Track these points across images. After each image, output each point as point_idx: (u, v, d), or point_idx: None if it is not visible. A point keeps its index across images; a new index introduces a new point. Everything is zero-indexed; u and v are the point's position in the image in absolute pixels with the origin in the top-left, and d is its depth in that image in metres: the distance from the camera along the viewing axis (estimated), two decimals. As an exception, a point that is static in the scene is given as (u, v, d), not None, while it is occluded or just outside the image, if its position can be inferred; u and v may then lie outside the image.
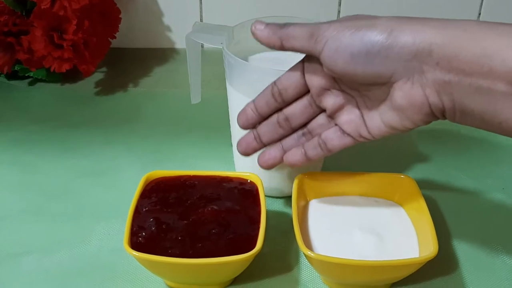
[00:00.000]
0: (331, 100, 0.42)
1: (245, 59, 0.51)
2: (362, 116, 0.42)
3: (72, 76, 0.74)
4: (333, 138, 0.43)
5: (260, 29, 0.41)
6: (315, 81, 0.42)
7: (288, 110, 0.44)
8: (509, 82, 0.33)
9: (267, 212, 0.44)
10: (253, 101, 0.45)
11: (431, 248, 0.41)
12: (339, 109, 0.43)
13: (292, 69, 0.43)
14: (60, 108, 0.69)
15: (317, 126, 0.45)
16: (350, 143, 0.43)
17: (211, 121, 0.65)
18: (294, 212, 0.45)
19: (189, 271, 0.41)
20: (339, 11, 0.80)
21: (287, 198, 0.52)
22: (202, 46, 0.53)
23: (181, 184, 0.47)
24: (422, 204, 0.46)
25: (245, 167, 0.51)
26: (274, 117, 0.45)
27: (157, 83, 0.76)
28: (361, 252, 0.43)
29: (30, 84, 0.74)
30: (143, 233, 0.42)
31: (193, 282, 0.44)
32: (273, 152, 0.46)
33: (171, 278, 0.44)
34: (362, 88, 0.40)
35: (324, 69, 0.40)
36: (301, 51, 0.41)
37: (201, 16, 0.81)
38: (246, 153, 0.47)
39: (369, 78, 0.38)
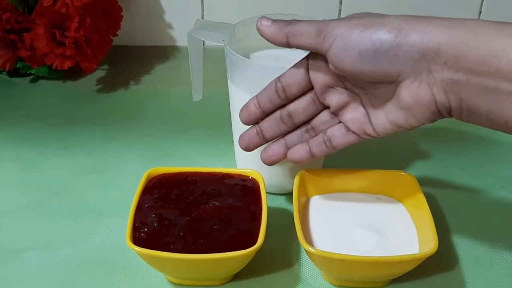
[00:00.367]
0: (335, 98, 0.43)
1: (247, 56, 0.51)
2: (367, 114, 0.42)
3: (73, 73, 0.75)
4: (338, 135, 0.43)
5: (267, 25, 0.41)
6: (319, 78, 0.42)
7: (291, 107, 0.44)
8: None
9: (268, 209, 0.45)
10: (256, 97, 0.45)
11: (431, 245, 0.41)
12: (343, 106, 0.43)
13: (296, 65, 0.43)
14: (62, 105, 0.70)
15: (320, 123, 0.45)
16: (355, 141, 0.43)
17: (212, 119, 0.66)
18: (295, 208, 0.45)
19: (191, 266, 0.41)
20: (340, 10, 0.80)
21: (288, 195, 0.53)
22: (203, 43, 0.53)
23: (183, 180, 0.48)
24: (423, 201, 0.46)
25: (247, 164, 0.51)
26: (277, 113, 0.45)
27: (158, 80, 0.76)
28: (361, 248, 0.43)
29: (32, 81, 0.74)
30: (145, 229, 0.43)
31: (194, 277, 0.44)
32: (276, 148, 0.46)
33: (173, 273, 0.44)
34: (368, 86, 0.40)
35: (331, 67, 0.40)
36: (307, 49, 0.41)
37: (202, 13, 0.82)
38: (248, 148, 0.47)
39: (376, 77, 0.38)
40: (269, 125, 0.45)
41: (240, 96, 0.49)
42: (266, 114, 0.45)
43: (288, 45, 0.41)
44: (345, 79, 0.41)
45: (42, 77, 0.74)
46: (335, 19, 0.39)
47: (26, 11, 0.71)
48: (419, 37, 0.36)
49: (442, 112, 0.38)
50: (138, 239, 0.42)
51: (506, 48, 0.34)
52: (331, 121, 0.44)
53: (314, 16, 0.53)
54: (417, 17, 0.37)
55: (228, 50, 0.49)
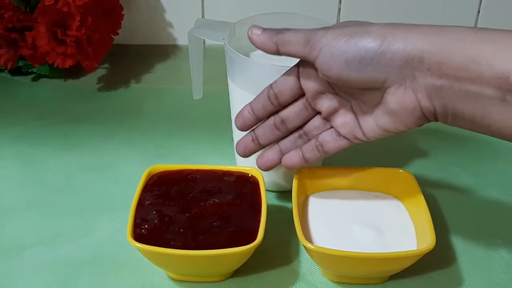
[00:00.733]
0: (326, 103, 0.44)
1: (247, 55, 0.51)
2: (357, 119, 0.43)
3: (75, 72, 0.75)
4: (329, 140, 0.45)
5: (257, 34, 0.42)
6: (310, 85, 0.43)
7: (284, 113, 0.46)
8: (497, 86, 0.35)
9: (268, 206, 0.45)
10: (250, 104, 0.46)
11: (428, 241, 0.42)
12: (334, 112, 0.44)
13: (288, 73, 0.44)
14: (63, 104, 0.70)
15: (313, 128, 0.46)
16: (346, 145, 0.44)
17: (212, 117, 0.66)
18: (294, 205, 0.45)
19: (191, 262, 0.42)
20: (339, 9, 0.80)
21: (288, 192, 0.53)
22: (204, 42, 0.54)
23: (183, 178, 0.48)
24: (420, 199, 0.46)
25: (246, 162, 0.52)
26: (271, 120, 0.46)
27: (159, 79, 0.76)
28: (360, 245, 0.43)
29: (34, 79, 0.75)
30: (146, 226, 0.43)
31: (194, 273, 0.44)
32: (271, 155, 0.47)
33: (173, 269, 0.44)
34: (357, 92, 0.41)
35: (319, 74, 0.41)
36: (297, 57, 0.42)
37: (202, 12, 0.82)
38: (245, 155, 0.48)
39: (362, 84, 0.39)
40: (264, 131, 0.47)
41: (240, 94, 0.50)
42: (260, 120, 0.47)
43: (278, 53, 0.42)
44: (335, 86, 0.42)
45: (44, 76, 0.74)
46: (322, 28, 0.40)
47: (28, 10, 0.71)
48: (402, 45, 0.37)
49: (428, 116, 0.39)
50: (139, 236, 0.42)
51: (486, 54, 0.35)
52: (323, 126, 0.45)
53: (314, 15, 0.53)
54: (401, 25, 0.38)
55: (228, 48, 0.49)
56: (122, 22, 0.76)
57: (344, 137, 0.44)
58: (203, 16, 0.82)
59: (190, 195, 0.46)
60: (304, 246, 0.42)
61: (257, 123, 0.47)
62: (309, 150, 0.46)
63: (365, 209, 0.48)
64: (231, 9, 0.81)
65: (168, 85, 0.74)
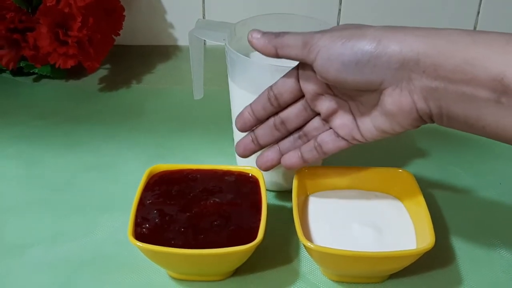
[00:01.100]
0: (325, 105, 0.44)
1: (247, 55, 0.51)
2: (355, 120, 0.43)
3: (76, 72, 0.75)
4: (328, 141, 0.45)
5: (257, 37, 0.43)
6: (309, 86, 0.44)
7: (284, 114, 0.46)
8: (491, 88, 0.35)
9: (268, 205, 0.45)
10: (250, 105, 0.47)
11: (428, 241, 0.42)
12: (332, 113, 0.44)
13: (287, 75, 0.45)
14: (65, 104, 0.70)
15: (312, 129, 0.46)
16: (345, 146, 0.45)
17: (213, 117, 0.66)
18: (294, 205, 0.45)
19: (191, 261, 0.42)
20: (339, 10, 0.81)
21: (288, 192, 0.53)
22: (204, 43, 0.54)
23: (183, 177, 0.48)
24: (420, 198, 0.47)
25: (247, 162, 0.52)
26: (271, 120, 0.47)
27: (160, 79, 0.76)
28: (360, 245, 0.44)
29: (35, 80, 0.75)
30: (147, 225, 0.43)
31: (195, 272, 0.45)
32: (270, 155, 0.48)
33: (173, 268, 0.45)
34: (354, 94, 0.42)
35: (318, 76, 0.41)
36: (295, 59, 0.42)
37: (203, 13, 0.82)
38: (244, 155, 0.49)
39: (360, 86, 0.40)
40: (263, 132, 0.47)
41: (241, 94, 0.50)
42: (260, 121, 0.47)
43: (277, 56, 0.42)
44: (334, 87, 0.43)
45: (45, 76, 0.74)
46: (320, 31, 0.41)
47: (29, 11, 0.71)
48: (398, 47, 0.37)
49: (424, 118, 0.39)
50: (140, 235, 0.42)
51: (480, 56, 0.35)
52: (322, 127, 0.46)
53: (314, 16, 0.53)
54: (396, 28, 0.38)
55: (228, 49, 0.49)
56: (123, 22, 0.76)
57: (343, 138, 0.44)
58: (203, 17, 0.83)
59: (191, 195, 0.46)
60: (304, 245, 0.42)
61: (257, 124, 0.47)
62: (308, 151, 0.46)
63: (365, 208, 0.48)
64: (232, 10, 0.81)
65: (169, 86, 0.74)
